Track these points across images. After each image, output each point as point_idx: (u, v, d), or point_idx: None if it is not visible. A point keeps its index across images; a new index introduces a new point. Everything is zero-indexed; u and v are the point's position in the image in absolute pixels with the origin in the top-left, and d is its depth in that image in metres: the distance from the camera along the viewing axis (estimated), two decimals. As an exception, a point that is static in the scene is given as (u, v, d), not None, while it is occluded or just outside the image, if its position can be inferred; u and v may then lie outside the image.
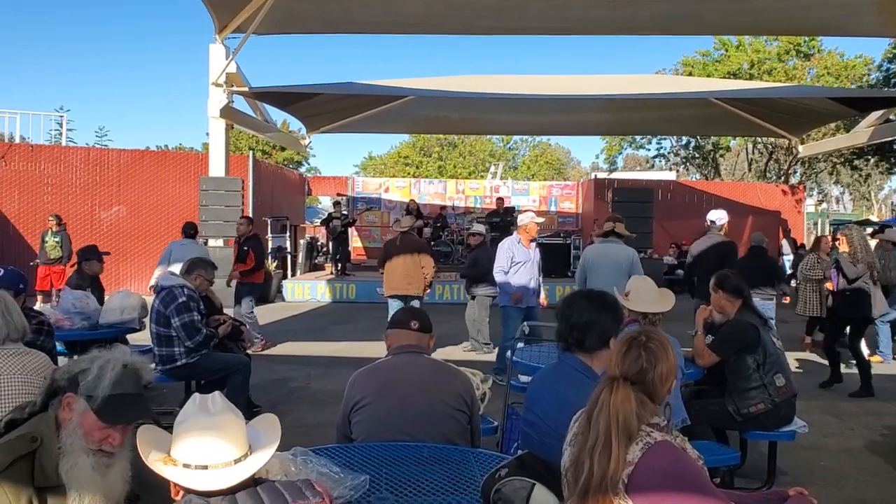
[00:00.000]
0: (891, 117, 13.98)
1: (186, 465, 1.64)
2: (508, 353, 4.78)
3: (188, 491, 1.65)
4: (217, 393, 1.87)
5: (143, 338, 5.95)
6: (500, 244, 7.91)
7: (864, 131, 13.66)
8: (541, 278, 7.92)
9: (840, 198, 48.95)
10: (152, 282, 8.87)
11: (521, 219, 7.94)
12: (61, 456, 2.05)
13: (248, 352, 6.37)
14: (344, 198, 22.54)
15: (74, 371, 2.12)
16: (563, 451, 2.28)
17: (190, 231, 9.90)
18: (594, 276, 6.56)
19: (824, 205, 42.28)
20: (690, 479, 2.10)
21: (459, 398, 3.03)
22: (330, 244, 17.31)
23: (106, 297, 6.58)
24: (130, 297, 6.10)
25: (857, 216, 38.02)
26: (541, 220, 8.09)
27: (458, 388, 3.06)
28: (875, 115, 13.29)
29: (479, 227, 9.98)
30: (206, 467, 1.64)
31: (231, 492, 1.61)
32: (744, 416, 4.38)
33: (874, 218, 33.07)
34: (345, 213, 17.44)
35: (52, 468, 2.04)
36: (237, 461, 1.68)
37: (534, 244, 7.85)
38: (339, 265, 16.57)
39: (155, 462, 1.67)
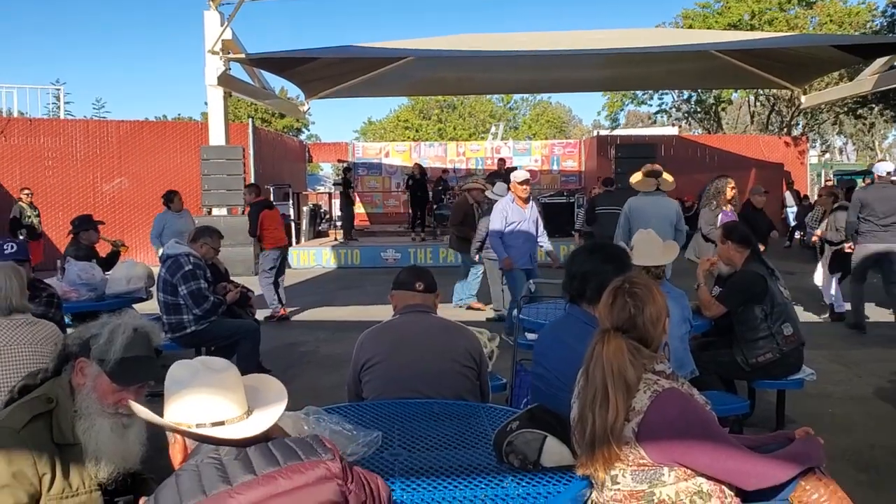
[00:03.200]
0: (894, 64, 13.79)
1: (201, 425, 1.63)
2: (515, 311, 4.79)
3: (202, 440, 1.65)
4: (204, 356, 1.87)
5: (150, 307, 5.96)
6: (495, 205, 7.71)
7: (868, 79, 13.48)
8: (545, 237, 7.84)
9: (843, 148, 48.59)
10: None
11: (512, 178, 7.75)
12: (77, 418, 2.08)
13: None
14: (345, 164, 22.52)
15: (86, 336, 2.13)
16: (571, 404, 2.30)
17: (168, 200, 9.79)
18: (645, 228, 6.54)
19: (828, 155, 42.01)
20: (700, 424, 2.12)
21: (468, 355, 3.05)
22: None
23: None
24: (136, 266, 6.10)
25: (861, 166, 37.78)
26: (523, 177, 7.72)
27: (465, 345, 3.08)
28: (879, 62, 13.09)
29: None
30: (223, 423, 1.64)
31: (243, 445, 1.61)
32: (752, 365, 4.40)
33: (879, 167, 32.81)
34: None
35: (68, 428, 2.08)
36: (240, 419, 1.68)
37: (531, 203, 7.65)
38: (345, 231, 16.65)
39: (166, 423, 1.67)
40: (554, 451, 2.23)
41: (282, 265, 9.17)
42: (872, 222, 7.76)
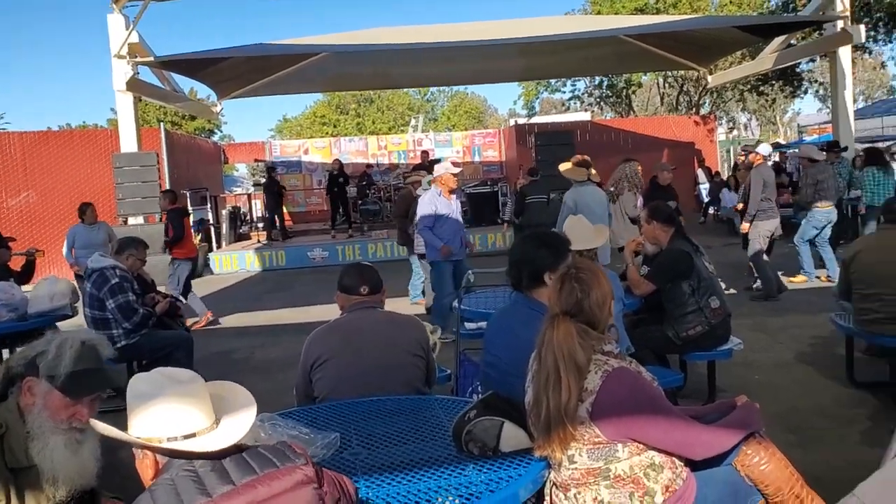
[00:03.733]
0: (792, 42, 14.46)
1: (172, 439, 1.61)
2: (455, 302, 4.83)
3: (175, 455, 1.62)
4: (164, 367, 1.84)
5: (77, 324, 5.76)
6: (420, 199, 7.68)
7: (768, 57, 14.09)
8: (464, 230, 7.81)
9: (748, 124, 50.60)
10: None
11: (437, 170, 7.72)
12: (30, 440, 2.04)
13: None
14: (264, 162, 22.12)
15: (31, 355, 2.10)
16: (525, 389, 2.36)
17: (80, 213, 9.41)
18: (591, 219, 6.70)
19: (734, 132, 43.65)
20: (650, 400, 2.21)
21: (417, 344, 3.12)
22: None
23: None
24: (59, 282, 5.86)
25: (765, 140, 39.47)
26: (457, 170, 7.80)
27: (415, 335, 3.15)
28: (777, 41, 13.71)
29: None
30: (193, 435, 1.62)
31: (217, 457, 1.60)
32: (683, 339, 4.57)
33: (781, 140, 34.37)
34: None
35: (21, 451, 2.04)
36: (210, 429, 1.67)
37: (455, 196, 7.63)
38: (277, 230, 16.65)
39: (137, 440, 1.63)
40: (511, 436, 2.29)
41: (191, 276, 9.02)
42: (771, 200, 8.44)
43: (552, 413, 2.16)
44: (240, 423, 1.72)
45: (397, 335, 3.09)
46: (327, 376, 2.96)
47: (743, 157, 11.55)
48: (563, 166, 7.23)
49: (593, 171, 7.27)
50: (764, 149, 9.38)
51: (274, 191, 16.59)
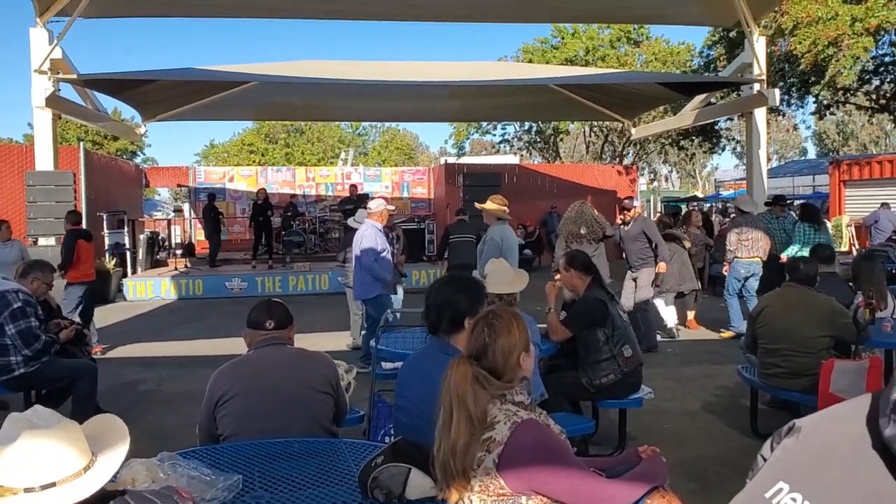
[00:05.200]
0: (712, 100, 15.16)
1: (29, 489, 1.46)
2: (372, 341, 4.78)
3: None
4: (39, 407, 1.67)
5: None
6: (363, 231, 7.62)
7: (689, 114, 14.72)
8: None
9: (668, 176, 52.50)
10: None
11: (372, 206, 7.75)
12: None
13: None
14: (185, 189, 21.60)
15: None
16: (435, 435, 2.33)
17: None
18: (512, 257, 6.82)
19: (655, 183, 45.19)
20: (556, 454, 2.21)
21: (325, 381, 3.06)
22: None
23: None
24: (-47, 305, 5.54)
25: (685, 193, 41.00)
26: (392, 207, 8.03)
27: (322, 371, 3.09)
28: (698, 99, 14.37)
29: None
30: (53, 484, 1.48)
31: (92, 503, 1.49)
32: (596, 386, 4.64)
33: (699, 194, 35.73)
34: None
35: None
36: (87, 469, 1.54)
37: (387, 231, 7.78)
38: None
39: None
40: (418, 484, 2.25)
41: (89, 302, 8.59)
42: (650, 249, 8.66)
43: (445, 455, 2.14)
44: (105, 467, 1.59)
45: (304, 371, 3.04)
46: (231, 413, 2.88)
47: (660, 214, 12.03)
48: (490, 206, 7.27)
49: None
50: (635, 202, 9.83)
51: (211, 216, 16.23)
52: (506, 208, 7.26)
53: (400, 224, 10.32)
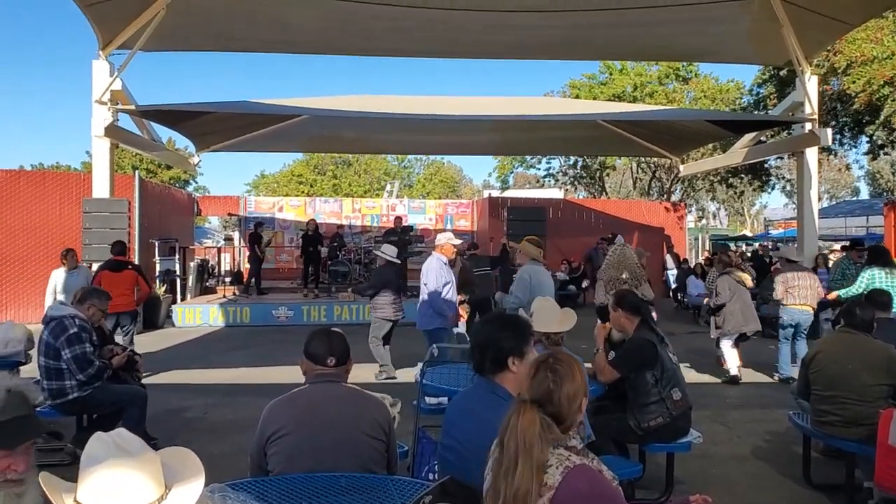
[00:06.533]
0: (762, 139, 14.97)
1: None
2: (418, 375, 4.78)
3: None
4: (123, 430, 1.78)
5: (29, 370, 5.58)
6: (428, 264, 7.66)
7: (738, 152, 14.52)
8: None
9: (717, 213, 51.79)
10: None
11: (439, 239, 7.84)
12: None
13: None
14: (235, 217, 22.00)
15: None
16: (484, 476, 2.31)
17: (62, 257, 9.46)
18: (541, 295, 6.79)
19: (703, 220, 44.61)
20: (609, 500, 2.18)
21: (377, 426, 3.02)
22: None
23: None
24: (14, 328, 5.73)
25: (733, 231, 40.39)
26: (458, 241, 7.99)
27: (375, 415, 3.05)
28: (748, 137, 14.17)
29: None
30: None
31: None
32: (644, 429, 4.55)
33: (748, 232, 35.13)
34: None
35: None
36: (160, 500, 1.62)
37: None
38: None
39: None
40: (466, 527, 2.23)
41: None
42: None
43: (507, 502, 2.11)
44: (186, 495, 1.66)
45: (357, 413, 3.00)
46: (282, 451, 2.87)
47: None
48: (524, 244, 7.25)
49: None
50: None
51: (252, 245, 16.55)
52: (541, 251, 7.21)
53: (476, 273, 10.19)
